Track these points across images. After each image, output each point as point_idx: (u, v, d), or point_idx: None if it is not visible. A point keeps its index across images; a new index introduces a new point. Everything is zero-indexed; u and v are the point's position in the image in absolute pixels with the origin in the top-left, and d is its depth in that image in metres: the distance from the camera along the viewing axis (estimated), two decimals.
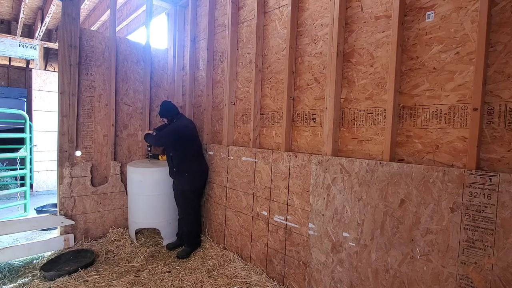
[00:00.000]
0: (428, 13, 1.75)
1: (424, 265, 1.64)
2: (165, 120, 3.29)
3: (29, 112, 5.81)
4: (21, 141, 4.70)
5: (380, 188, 1.83)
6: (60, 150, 3.13)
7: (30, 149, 4.80)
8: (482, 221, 1.45)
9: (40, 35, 6.36)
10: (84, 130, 3.34)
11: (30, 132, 4.61)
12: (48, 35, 7.63)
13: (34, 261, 2.83)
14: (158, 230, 3.33)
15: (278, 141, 2.71)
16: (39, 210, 4.20)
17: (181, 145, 3.07)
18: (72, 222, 3.15)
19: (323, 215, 2.15)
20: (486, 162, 1.54)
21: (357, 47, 2.09)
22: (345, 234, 2.01)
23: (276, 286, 2.45)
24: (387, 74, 1.92)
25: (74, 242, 3.16)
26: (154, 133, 3.30)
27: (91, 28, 5.71)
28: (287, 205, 2.45)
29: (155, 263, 2.85)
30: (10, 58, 8.10)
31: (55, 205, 4.15)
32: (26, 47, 6.47)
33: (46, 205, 4.46)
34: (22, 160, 4.60)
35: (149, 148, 3.58)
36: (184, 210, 3.15)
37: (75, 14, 3.17)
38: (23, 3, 5.28)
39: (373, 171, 1.86)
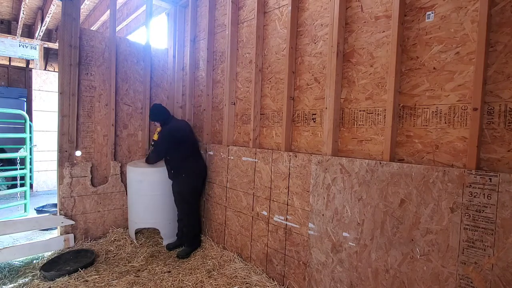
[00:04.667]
0: (428, 13, 1.75)
1: (424, 265, 1.64)
2: (157, 124, 3.31)
3: (29, 112, 5.81)
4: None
5: (380, 188, 1.83)
6: (60, 150, 3.13)
7: (30, 149, 4.80)
8: (482, 221, 1.45)
9: (40, 35, 6.36)
10: (84, 130, 3.34)
11: (30, 132, 4.61)
12: (48, 35, 7.62)
13: (34, 261, 2.83)
14: (158, 230, 3.33)
15: (278, 141, 2.71)
16: (39, 210, 4.20)
17: (175, 147, 3.07)
18: (72, 222, 3.14)
19: (323, 215, 2.15)
20: (486, 162, 1.54)
21: (357, 47, 2.09)
22: (345, 234, 2.01)
23: (276, 286, 2.45)
24: (387, 74, 1.92)
25: (74, 242, 3.16)
26: (152, 146, 3.32)
27: (91, 28, 5.71)
28: (287, 205, 2.45)
29: (155, 263, 2.85)
30: (10, 58, 8.09)
31: (55, 205, 4.15)
32: (26, 47, 6.46)
33: (46, 205, 4.46)
34: (22, 160, 4.60)
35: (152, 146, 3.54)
36: (183, 211, 3.15)
37: (75, 14, 3.17)
38: (23, 3, 5.28)
39: (373, 171, 1.86)
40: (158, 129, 3.41)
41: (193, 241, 3.14)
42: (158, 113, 3.23)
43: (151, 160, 3.19)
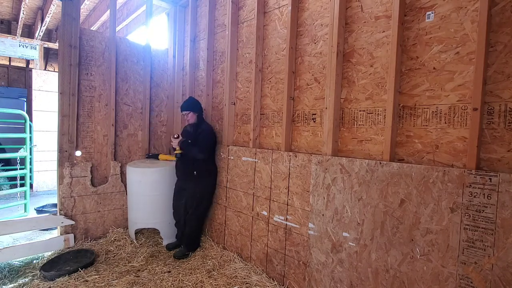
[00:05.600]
0: (428, 13, 1.75)
1: (424, 265, 1.64)
2: (189, 114, 3.03)
3: (29, 112, 5.80)
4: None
5: (380, 188, 1.83)
6: (60, 150, 3.13)
7: (30, 149, 4.80)
8: (482, 221, 1.45)
9: (40, 35, 6.35)
10: (84, 130, 3.34)
11: (30, 132, 4.61)
12: (48, 35, 7.62)
13: (34, 261, 2.83)
14: (158, 230, 3.33)
15: (278, 141, 2.71)
16: (39, 210, 4.20)
17: (212, 148, 3.14)
18: (72, 222, 3.14)
19: (323, 215, 2.15)
20: (486, 162, 1.54)
21: (357, 47, 2.09)
22: (345, 234, 2.01)
23: (276, 286, 2.45)
24: (387, 74, 1.92)
25: (74, 242, 3.16)
26: (187, 140, 3.03)
27: (91, 28, 5.71)
28: (287, 205, 2.45)
29: (155, 263, 2.85)
30: (10, 58, 8.10)
31: (55, 205, 4.14)
32: (26, 47, 6.46)
33: (46, 205, 4.46)
34: (22, 160, 4.60)
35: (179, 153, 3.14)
36: (196, 213, 3.07)
37: (75, 14, 3.17)
38: (23, 3, 5.28)
39: (373, 171, 1.86)
40: (176, 141, 3.01)
41: (193, 242, 3.12)
42: (197, 103, 3.12)
43: (199, 155, 2.93)
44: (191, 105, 3.06)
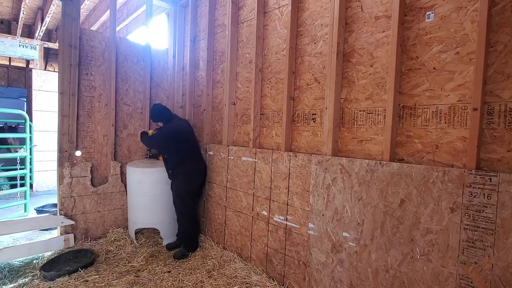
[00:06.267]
0: (428, 13, 1.75)
1: (424, 265, 1.64)
2: (159, 124, 3.27)
3: (29, 112, 5.81)
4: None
5: (380, 188, 1.83)
6: (60, 150, 3.13)
7: (30, 149, 4.80)
8: (482, 221, 1.45)
9: (40, 35, 6.36)
10: (84, 130, 3.34)
11: (30, 132, 4.61)
12: (48, 35, 7.62)
13: (34, 261, 2.83)
14: (158, 230, 3.33)
15: (278, 141, 2.71)
16: (39, 210, 4.20)
17: (175, 147, 3.02)
18: (72, 222, 3.14)
19: (323, 215, 2.15)
20: (486, 162, 1.54)
21: (357, 47, 2.09)
22: (345, 234, 2.01)
23: (276, 286, 2.45)
24: (387, 74, 1.92)
25: (74, 242, 3.16)
26: (155, 132, 3.29)
27: (91, 28, 5.71)
28: (287, 205, 2.45)
29: (155, 263, 2.85)
30: (10, 58, 8.10)
31: (55, 205, 4.15)
32: (26, 47, 6.46)
33: (46, 205, 4.46)
34: (22, 160, 4.60)
35: (149, 148, 3.58)
36: (180, 212, 3.12)
37: (75, 14, 3.17)
38: (23, 3, 5.28)
39: (373, 171, 1.86)
40: (150, 131, 3.41)
41: (190, 242, 3.11)
42: (160, 113, 3.19)
43: (142, 139, 3.26)
44: (159, 117, 3.21)
